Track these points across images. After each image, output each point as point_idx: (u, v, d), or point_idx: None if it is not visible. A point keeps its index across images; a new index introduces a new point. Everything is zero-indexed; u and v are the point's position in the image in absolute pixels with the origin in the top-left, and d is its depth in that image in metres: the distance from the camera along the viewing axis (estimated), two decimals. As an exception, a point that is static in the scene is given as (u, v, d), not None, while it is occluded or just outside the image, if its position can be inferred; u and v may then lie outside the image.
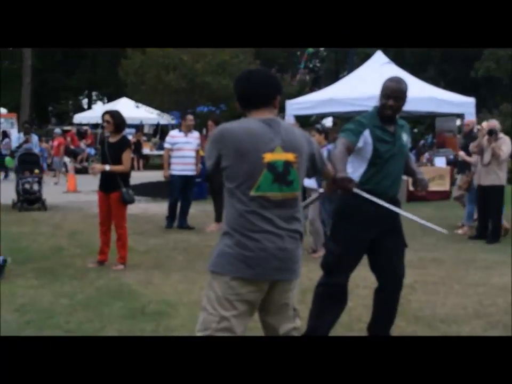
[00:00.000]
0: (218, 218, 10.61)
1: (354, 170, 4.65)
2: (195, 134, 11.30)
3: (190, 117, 11.52)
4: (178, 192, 11.18)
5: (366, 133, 4.59)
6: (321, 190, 4.11)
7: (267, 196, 3.26)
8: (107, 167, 7.77)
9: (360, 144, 4.60)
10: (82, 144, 26.09)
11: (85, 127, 29.73)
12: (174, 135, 11.34)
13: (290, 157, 3.29)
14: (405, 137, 4.81)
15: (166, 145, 11.38)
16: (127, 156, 7.84)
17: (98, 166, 7.98)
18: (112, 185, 7.82)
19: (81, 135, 28.32)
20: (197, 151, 11.10)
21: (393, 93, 4.61)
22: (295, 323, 3.50)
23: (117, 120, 7.84)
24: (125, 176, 7.88)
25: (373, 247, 4.75)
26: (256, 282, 3.26)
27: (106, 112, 8.06)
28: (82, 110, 44.33)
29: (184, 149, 10.94)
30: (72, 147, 25.56)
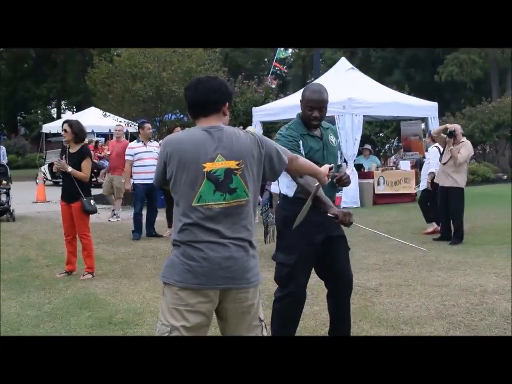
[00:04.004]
0: (170, 224, 10.82)
1: (291, 180, 4.56)
2: (154, 143, 11.42)
3: (147, 125, 11.59)
4: (143, 201, 11.24)
5: (301, 145, 4.60)
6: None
7: (209, 205, 3.22)
8: (69, 169, 7.80)
9: None
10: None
11: (96, 138, 28.47)
12: (133, 146, 11.41)
13: (232, 164, 3.24)
14: (333, 139, 4.81)
15: (127, 158, 11.35)
16: (87, 164, 7.86)
17: (63, 164, 7.90)
18: (73, 195, 7.87)
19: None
20: None
21: (317, 105, 4.61)
22: (261, 335, 3.43)
23: (75, 129, 7.86)
24: (85, 185, 7.92)
25: (319, 253, 4.70)
26: (204, 292, 3.22)
27: (65, 122, 8.10)
28: (52, 119, 44.02)
29: (145, 158, 10.97)
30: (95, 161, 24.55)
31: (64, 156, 7.99)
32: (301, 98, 4.72)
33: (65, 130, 7.89)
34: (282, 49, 32.51)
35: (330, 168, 3.83)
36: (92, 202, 7.90)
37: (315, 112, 4.60)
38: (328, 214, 4.29)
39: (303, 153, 4.55)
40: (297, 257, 4.60)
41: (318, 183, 3.86)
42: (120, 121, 20.76)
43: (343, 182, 4.75)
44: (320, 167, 4.55)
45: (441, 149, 11.59)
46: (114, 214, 13.78)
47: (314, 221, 4.25)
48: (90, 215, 8.07)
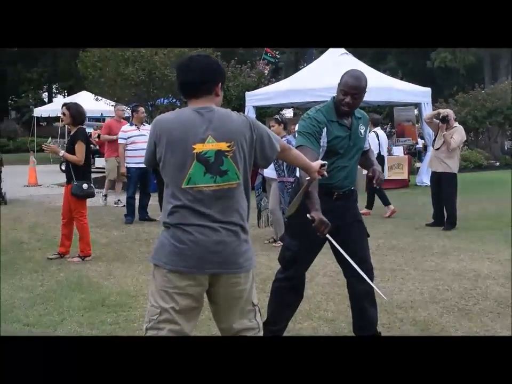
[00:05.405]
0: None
1: None
2: (147, 127, 11.20)
3: (141, 109, 11.58)
4: (136, 184, 11.20)
5: (324, 132, 4.43)
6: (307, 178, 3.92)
7: (199, 187, 3.16)
8: (61, 153, 7.85)
9: None
10: None
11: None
12: (127, 129, 11.35)
13: (223, 146, 3.17)
14: (362, 129, 4.65)
15: (121, 141, 11.30)
16: (80, 147, 7.75)
17: (54, 147, 8.01)
18: (68, 177, 7.91)
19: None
20: None
21: (351, 90, 4.42)
22: (253, 322, 3.40)
23: (73, 112, 7.83)
24: (79, 168, 7.83)
25: (335, 240, 4.43)
26: (192, 275, 3.17)
27: (64, 105, 8.09)
28: (43, 103, 43.75)
29: (138, 142, 10.85)
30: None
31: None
32: (338, 82, 4.54)
33: (64, 114, 7.90)
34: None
35: (323, 165, 3.76)
36: (85, 186, 7.79)
37: (347, 97, 4.42)
38: (308, 215, 4.15)
39: (325, 141, 4.44)
40: (301, 243, 4.54)
41: (309, 178, 3.82)
42: (112, 105, 20.63)
43: (380, 180, 4.74)
44: (342, 157, 4.52)
45: (379, 134, 12.13)
46: (119, 200, 13.57)
47: (322, 209, 4.15)
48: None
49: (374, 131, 11.98)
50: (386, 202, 11.87)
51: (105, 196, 13.57)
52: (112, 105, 20.65)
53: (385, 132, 24.59)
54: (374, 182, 4.74)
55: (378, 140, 12.05)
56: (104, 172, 16.97)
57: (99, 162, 20.28)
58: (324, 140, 4.45)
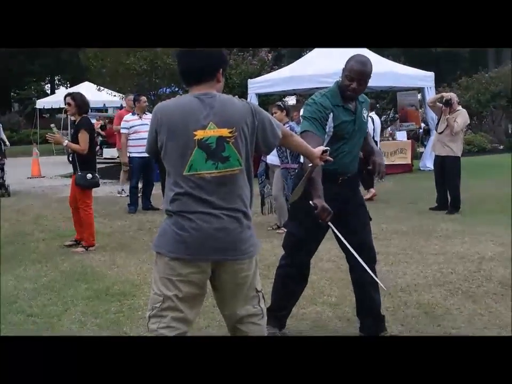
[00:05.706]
0: None
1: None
2: (149, 116, 11.15)
3: (143, 98, 11.53)
4: (139, 174, 11.21)
5: (330, 117, 4.40)
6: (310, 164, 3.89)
7: (201, 174, 3.13)
8: (64, 142, 7.88)
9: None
10: None
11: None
12: (129, 119, 11.29)
13: (224, 132, 3.13)
14: (365, 114, 4.65)
15: (123, 130, 11.24)
16: (83, 136, 7.73)
17: (58, 137, 8.06)
18: (74, 167, 7.94)
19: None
20: None
21: (357, 75, 4.38)
22: (257, 308, 3.39)
23: (78, 101, 7.83)
24: (83, 158, 7.81)
25: (338, 226, 4.37)
26: (195, 263, 3.16)
27: (68, 95, 8.07)
28: (46, 95, 43.72)
29: (141, 131, 10.78)
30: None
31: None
32: (343, 67, 4.49)
33: (69, 104, 7.88)
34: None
35: (325, 151, 3.74)
36: (89, 176, 7.78)
37: (353, 83, 4.38)
38: (310, 202, 4.12)
39: (331, 126, 4.40)
40: (304, 229, 4.53)
41: (311, 164, 3.79)
42: (115, 95, 20.61)
43: (382, 173, 4.68)
44: (348, 142, 4.50)
45: (374, 119, 12.18)
46: (123, 190, 13.48)
47: (325, 196, 4.12)
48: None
49: (369, 116, 11.99)
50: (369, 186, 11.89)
51: (123, 190, 13.36)
52: (115, 95, 20.66)
53: (388, 117, 24.67)
54: (376, 177, 4.73)
55: (374, 125, 12.05)
56: (110, 163, 17.00)
57: (107, 152, 20.32)
58: (330, 125, 4.41)
